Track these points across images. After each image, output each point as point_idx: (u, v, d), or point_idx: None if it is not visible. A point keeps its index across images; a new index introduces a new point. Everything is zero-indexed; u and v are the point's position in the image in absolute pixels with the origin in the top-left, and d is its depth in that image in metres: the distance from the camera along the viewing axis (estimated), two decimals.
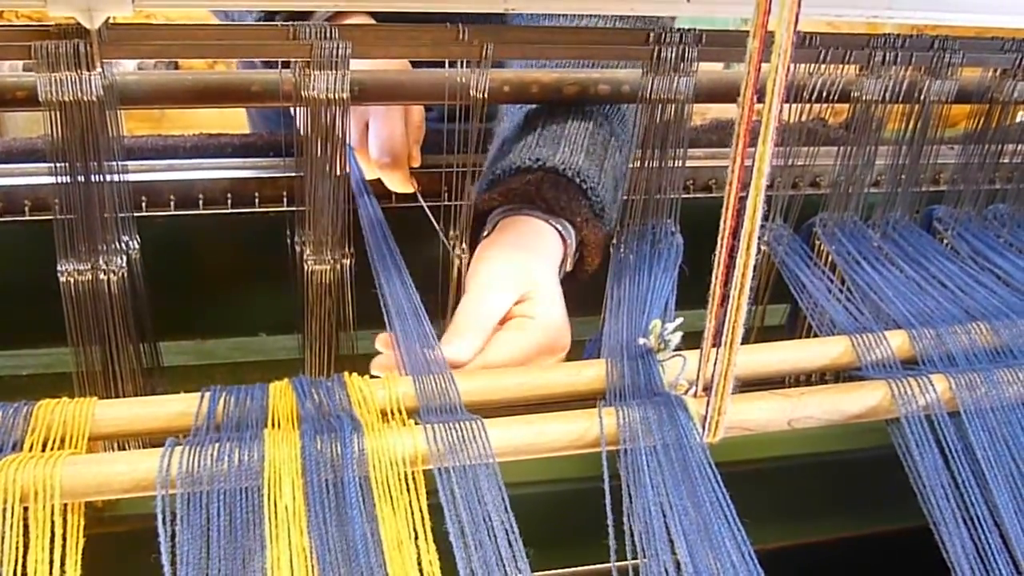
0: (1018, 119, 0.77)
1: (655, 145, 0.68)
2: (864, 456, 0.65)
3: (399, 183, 0.80)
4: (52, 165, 0.60)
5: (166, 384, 0.73)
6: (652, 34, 0.64)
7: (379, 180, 0.81)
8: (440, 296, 0.74)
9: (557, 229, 0.71)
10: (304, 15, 0.71)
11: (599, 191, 0.72)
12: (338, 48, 0.60)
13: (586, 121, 0.75)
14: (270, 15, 0.77)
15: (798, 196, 0.73)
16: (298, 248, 0.69)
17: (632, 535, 0.45)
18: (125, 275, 0.64)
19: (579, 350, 0.82)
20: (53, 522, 0.43)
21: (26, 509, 0.43)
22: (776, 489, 0.66)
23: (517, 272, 0.66)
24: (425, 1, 0.60)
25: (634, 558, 0.45)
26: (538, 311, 0.65)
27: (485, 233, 0.72)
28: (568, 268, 0.73)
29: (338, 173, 0.66)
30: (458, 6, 0.61)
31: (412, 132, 0.81)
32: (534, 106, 0.76)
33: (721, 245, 0.44)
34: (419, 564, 0.43)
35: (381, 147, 0.79)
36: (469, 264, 0.70)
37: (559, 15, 0.82)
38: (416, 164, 0.81)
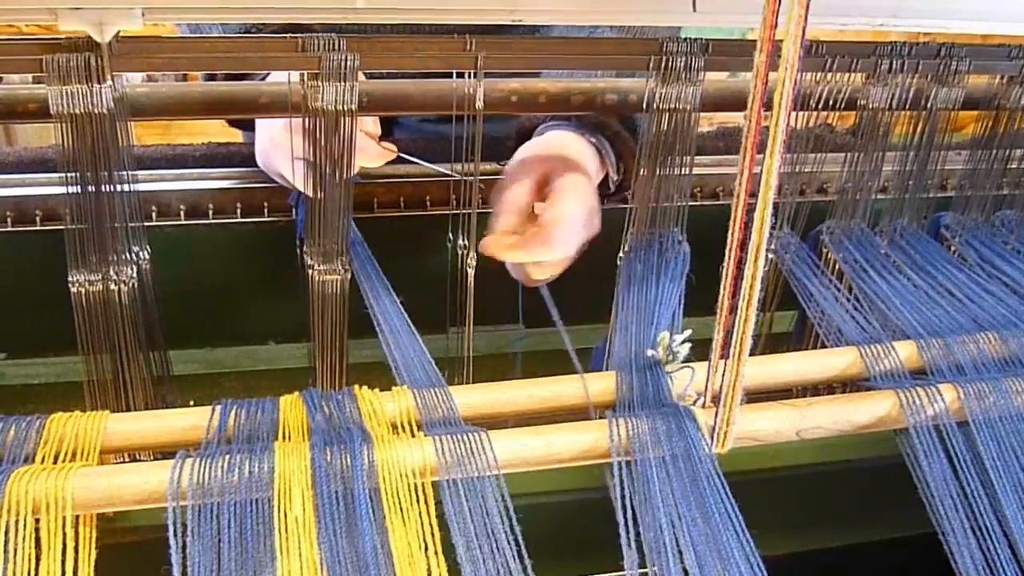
0: None
1: (662, 154, 0.68)
2: (872, 465, 0.65)
3: None
4: (63, 176, 0.61)
5: (176, 392, 0.73)
6: (660, 44, 0.65)
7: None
8: (448, 305, 0.74)
9: (592, 143, 0.80)
10: None
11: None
12: (346, 60, 0.61)
13: None
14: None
15: (805, 203, 0.73)
16: (307, 257, 0.69)
17: (641, 545, 0.45)
18: (135, 285, 0.64)
19: (585, 358, 0.82)
20: (65, 534, 0.43)
21: (38, 520, 0.43)
22: (784, 498, 0.66)
23: (542, 162, 0.74)
24: (432, 14, 0.60)
25: (643, 568, 0.45)
26: (551, 212, 0.71)
27: None
28: (615, 177, 0.82)
29: (344, 182, 0.66)
30: (465, 18, 0.61)
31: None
32: None
33: (729, 257, 0.44)
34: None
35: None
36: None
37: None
38: None
